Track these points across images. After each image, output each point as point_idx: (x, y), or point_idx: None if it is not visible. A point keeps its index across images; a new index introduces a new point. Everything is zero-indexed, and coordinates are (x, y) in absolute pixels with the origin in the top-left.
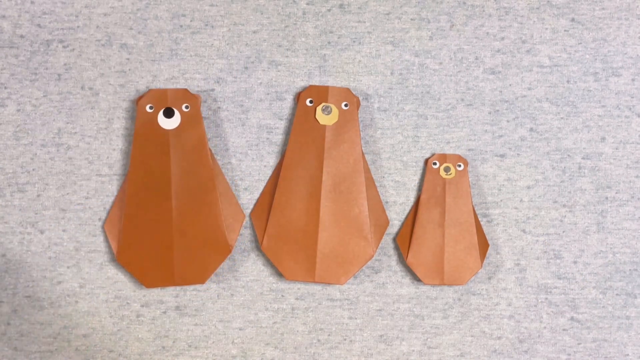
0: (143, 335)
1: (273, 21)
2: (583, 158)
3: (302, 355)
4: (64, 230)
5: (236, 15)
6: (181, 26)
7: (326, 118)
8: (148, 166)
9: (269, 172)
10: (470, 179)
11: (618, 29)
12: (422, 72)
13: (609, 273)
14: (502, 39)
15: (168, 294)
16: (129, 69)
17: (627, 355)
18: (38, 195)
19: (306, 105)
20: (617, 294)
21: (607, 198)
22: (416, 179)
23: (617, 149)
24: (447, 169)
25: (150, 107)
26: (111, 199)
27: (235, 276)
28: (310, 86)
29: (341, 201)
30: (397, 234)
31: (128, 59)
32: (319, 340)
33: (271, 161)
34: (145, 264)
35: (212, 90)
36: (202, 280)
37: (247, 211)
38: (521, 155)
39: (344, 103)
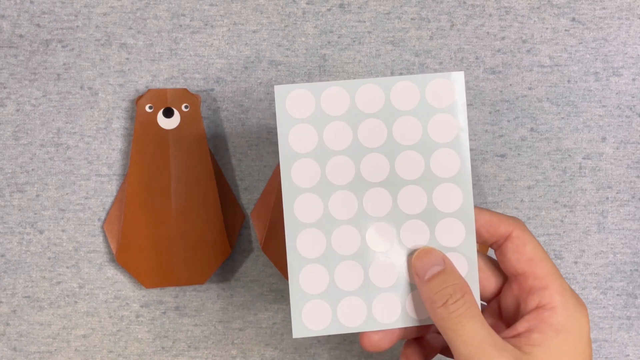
0: (142, 336)
1: (273, 21)
2: (584, 158)
3: (302, 355)
4: (63, 231)
5: (236, 15)
6: (180, 26)
7: None
8: (147, 166)
9: (269, 172)
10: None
11: (619, 28)
12: (423, 71)
13: (610, 273)
14: (503, 38)
15: (168, 295)
16: (129, 69)
17: (628, 355)
18: (37, 196)
19: None
20: (617, 295)
21: (607, 198)
22: None
23: (617, 149)
24: None
25: (150, 107)
26: (110, 199)
27: (235, 276)
28: None
29: None
30: None
31: (127, 58)
32: (319, 341)
33: (271, 161)
34: (144, 264)
35: (212, 90)
36: (201, 281)
37: (247, 211)
38: (522, 155)
39: None
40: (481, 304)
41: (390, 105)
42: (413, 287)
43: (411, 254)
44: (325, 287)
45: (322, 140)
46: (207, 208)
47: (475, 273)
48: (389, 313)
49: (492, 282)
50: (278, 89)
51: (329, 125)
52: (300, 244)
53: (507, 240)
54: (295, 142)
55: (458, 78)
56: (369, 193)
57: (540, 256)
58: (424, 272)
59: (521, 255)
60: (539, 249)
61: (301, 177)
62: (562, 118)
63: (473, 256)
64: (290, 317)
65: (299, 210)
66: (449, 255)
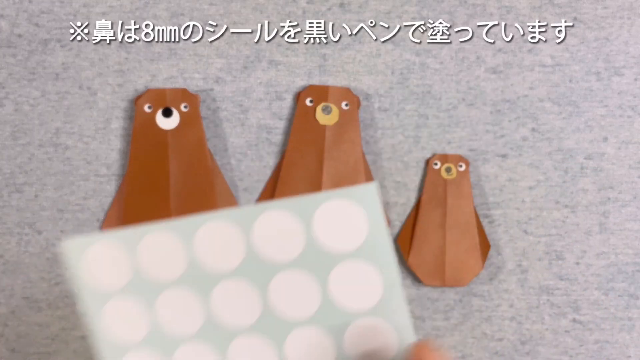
0: None
1: (273, 20)
2: (585, 158)
3: None
4: (62, 231)
5: (236, 14)
6: (180, 25)
7: (326, 118)
8: (146, 166)
9: (268, 173)
10: (471, 180)
11: (620, 28)
12: (423, 71)
13: (611, 274)
14: (503, 38)
15: None
16: (128, 69)
17: (630, 356)
18: (36, 196)
19: (306, 105)
20: (619, 295)
21: (609, 199)
22: (417, 179)
23: (619, 149)
24: (448, 170)
25: (149, 107)
26: (109, 200)
27: None
28: (310, 86)
29: None
30: (398, 235)
31: (126, 58)
32: None
33: (271, 161)
34: None
35: (211, 89)
36: None
37: None
38: (523, 155)
39: (344, 103)
40: None
41: (256, 256)
42: None
43: None
44: None
45: (156, 322)
46: (206, 209)
47: None
48: None
49: None
50: (68, 247)
51: (162, 296)
52: None
53: None
54: (114, 329)
55: (367, 194)
56: None
57: None
58: None
59: None
60: None
61: None
62: (564, 118)
63: None
64: None
65: None
66: None
